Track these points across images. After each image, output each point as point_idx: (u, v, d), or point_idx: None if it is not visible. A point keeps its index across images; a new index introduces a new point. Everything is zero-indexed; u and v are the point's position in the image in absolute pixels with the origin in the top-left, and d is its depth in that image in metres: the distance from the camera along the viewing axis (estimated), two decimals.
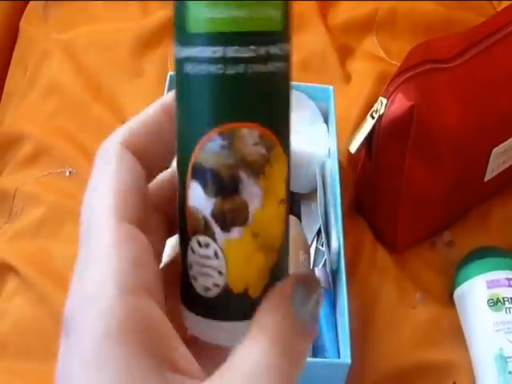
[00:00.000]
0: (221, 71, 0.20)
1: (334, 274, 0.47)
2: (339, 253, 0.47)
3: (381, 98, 0.53)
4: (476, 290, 0.51)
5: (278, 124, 0.21)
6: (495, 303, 0.49)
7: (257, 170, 0.20)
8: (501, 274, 0.51)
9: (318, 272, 0.47)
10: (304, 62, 0.71)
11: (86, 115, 0.62)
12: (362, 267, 0.54)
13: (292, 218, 0.49)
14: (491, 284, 0.51)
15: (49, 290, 0.50)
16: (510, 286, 0.50)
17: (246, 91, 0.20)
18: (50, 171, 0.58)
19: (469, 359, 0.49)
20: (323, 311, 0.45)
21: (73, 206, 0.55)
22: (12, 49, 0.72)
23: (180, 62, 0.21)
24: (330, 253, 0.47)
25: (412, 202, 0.55)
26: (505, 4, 0.79)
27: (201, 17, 0.20)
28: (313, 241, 0.52)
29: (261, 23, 0.20)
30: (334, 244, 0.47)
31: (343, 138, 0.57)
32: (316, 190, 0.53)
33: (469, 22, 0.69)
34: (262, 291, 0.21)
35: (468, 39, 0.57)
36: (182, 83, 0.21)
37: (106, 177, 0.21)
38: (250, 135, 0.20)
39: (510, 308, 0.49)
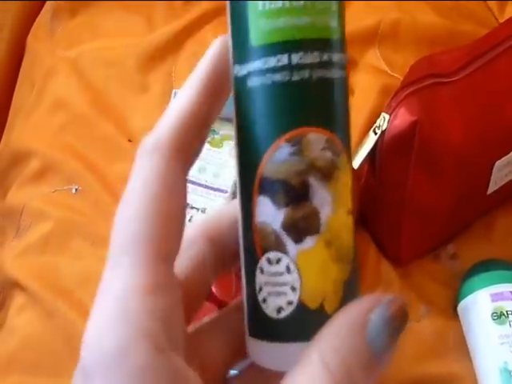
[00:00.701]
0: (287, 78, 0.20)
1: None
2: None
3: (383, 114, 0.54)
4: (480, 303, 0.51)
5: (341, 130, 0.21)
6: (499, 316, 0.50)
7: (326, 174, 0.20)
8: (505, 287, 0.51)
9: None
10: None
11: (93, 131, 0.63)
12: (366, 281, 0.54)
13: None
14: (495, 297, 0.51)
15: (57, 306, 0.50)
16: None
17: (312, 96, 0.20)
18: (57, 188, 0.58)
19: (473, 372, 0.49)
20: None
21: (80, 222, 0.55)
22: (19, 65, 0.73)
23: (241, 80, 0.21)
24: None
25: (416, 216, 0.55)
26: (508, 15, 0.80)
27: (265, 28, 0.20)
28: None
29: (322, 31, 0.21)
30: None
31: None
32: None
33: (472, 35, 0.69)
34: (338, 306, 0.19)
35: (471, 52, 0.57)
36: (245, 98, 0.21)
37: (145, 193, 0.17)
38: (317, 140, 0.20)
39: None
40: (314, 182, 0.20)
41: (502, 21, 0.78)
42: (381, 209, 0.57)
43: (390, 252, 0.57)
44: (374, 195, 0.57)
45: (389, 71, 0.74)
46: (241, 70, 0.21)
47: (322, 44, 0.21)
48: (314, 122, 0.20)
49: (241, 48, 0.21)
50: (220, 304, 0.46)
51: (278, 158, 0.20)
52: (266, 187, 0.20)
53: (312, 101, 0.20)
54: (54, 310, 0.50)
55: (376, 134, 0.54)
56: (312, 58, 0.20)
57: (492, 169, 0.56)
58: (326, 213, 0.20)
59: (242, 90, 0.21)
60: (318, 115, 0.20)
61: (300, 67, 0.20)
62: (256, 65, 0.20)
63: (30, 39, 0.73)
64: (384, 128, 0.53)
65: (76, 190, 0.58)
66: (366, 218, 0.60)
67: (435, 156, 0.53)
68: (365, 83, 0.72)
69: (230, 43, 0.21)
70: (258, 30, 0.20)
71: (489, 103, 0.55)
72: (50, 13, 0.73)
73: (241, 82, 0.21)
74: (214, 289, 0.46)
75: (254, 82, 0.20)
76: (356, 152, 0.55)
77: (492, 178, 0.57)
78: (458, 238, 0.59)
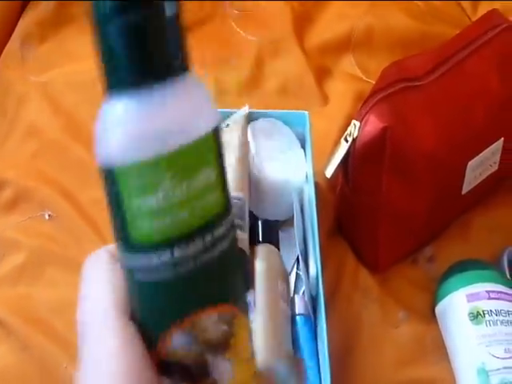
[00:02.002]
0: (171, 273, 0.20)
1: (314, 300, 0.47)
2: (317, 279, 0.46)
3: (354, 121, 0.53)
4: (456, 305, 0.50)
5: (233, 295, 0.21)
6: (475, 317, 0.49)
7: (222, 347, 0.20)
8: (480, 287, 0.50)
9: (298, 299, 0.47)
10: (281, 86, 0.71)
11: (67, 156, 0.63)
12: (344, 289, 0.54)
13: (270, 248, 0.49)
14: (471, 297, 0.50)
15: (32, 338, 0.49)
16: (489, 298, 0.50)
17: (198, 281, 0.20)
18: (30, 215, 0.58)
19: (453, 374, 0.49)
20: (304, 339, 0.44)
21: (53, 250, 0.55)
22: None
23: (129, 270, 0.20)
24: (308, 279, 0.47)
25: (391, 221, 0.55)
26: (480, 14, 0.79)
27: (142, 228, 0.19)
28: (293, 268, 0.52)
29: (203, 214, 0.20)
30: (312, 270, 0.47)
31: (322, 161, 0.57)
32: (298, 217, 0.52)
33: (446, 36, 0.68)
34: None
35: (440, 55, 0.57)
36: (135, 289, 0.21)
37: (101, 281, 0.21)
38: (209, 319, 0.20)
39: (490, 321, 0.49)
40: (211, 358, 0.20)
41: (474, 19, 0.78)
42: (357, 216, 0.57)
43: (368, 259, 0.56)
44: (350, 203, 0.57)
45: (363, 77, 0.74)
46: (126, 260, 0.20)
47: (205, 228, 0.20)
48: (203, 305, 0.20)
49: (123, 242, 0.20)
50: None
51: (173, 344, 0.20)
52: (165, 369, 0.20)
53: (199, 286, 0.20)
54: (28, 341, 0.49)
55: (347, 141, 0.54)
56: (195, 246, 0.20)
57: (465, 169, 0.56)
58: (226, 379, 0.21)
59: (131, 280, 0.21)
60: (207, 297, 0.20)
61: (183, 259, 0.20)
62: (140, 261, 0.20)
63: (0, 67, 0.73)
64: (355, 135, 0.53)
65: (49, 215, 0.58)
66: (342, 225, 0.59)
67: (408, 160, 0.52)
68: (339, 90, 0.72)
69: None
70: (136, 229, 0.20)
71: (459, 104, 0.55)
72: (20, 39, 0.72)
73: (129, 272, 0.21)
74: None
75: (139, 277, 0.20)
76: (328, 161, 0.54)
77: (466, 178, 0.57)
78: (435, 240, 0.58)
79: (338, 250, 0.57)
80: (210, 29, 0.77)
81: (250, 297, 0.45)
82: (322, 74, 0.74)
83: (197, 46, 0.75)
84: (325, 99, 0.72)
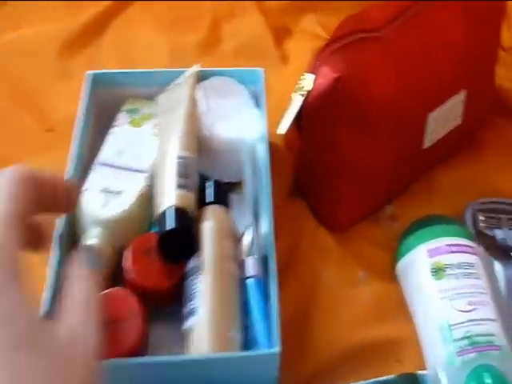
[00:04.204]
0: None
1: (266, 261, 0.45)
2: (269, 239, 0.44)
3: (306, 74, 0.51)
4: (417, 261, 0.49)
5: None
6: (437, 271, 0.47)
7: None
8: (442, 242, 0.49)
9: (249, 261, 0.45)
10: (238, 47, 0.69)
11: (10, 123, 0.60)
12: (302, 250, 0.52)
13: (219, 208, 0.47)
14: (432, 252, 0.49)
15: None
16: (451, 252, 0.48)
17: None
18: None
19: (415, 333, 0.47)
20: (255, 302, 0.43)
21: None
22: None
23: None
24: (259, 240, 0.45)
25: (351, 177, 0.53)
26: None
27: None
28: (246, 230, 0.50)
29: None
30: (264, 230, 0.45)
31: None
32: (250, 177, 0.50)
33: None
34: None
35: (401, 5, 0.54)
36: None
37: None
38: None
39: (451, 274, 0.47)
40: None
41: None
42: (315, 174, 0.55)
43: (328, 218, 0.54)
44: (307, 160, 0.55)
45: (325, 35, 0.72)
46: None
47: None
48: None
49: None
50: (141, 289, 0.43)
51: None
52: None
53: None
54: None
55: (301, 96, 0.51)
56: None
57: (426, 121, 0.54)
58: None
59: None
60: None
61: None
62: None
63: None
64: (309, 89, 0.51)
65: None
66: (301, 185, 0.57)
67: (364, 112, 0.50)
68: (300, 50, 0.70)
69: None
70: None
71: (420, 55, 0.52)
72: None
73: None
74: (132, 274, 0.43)
75: None
76: (282, 117, 0.52)
77: (427, 130, 0.55)
78: (398, 198, 0.56)
79: (297, 211, 0.55)
80: None
81: (197, 258, 0.43)
82: (281, 34, 0.72)
83: (152, 8, 0.73)
84: (284, 59, 0.69)
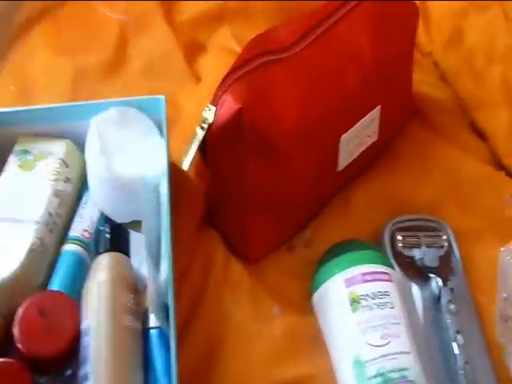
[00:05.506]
0: None
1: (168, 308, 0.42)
2: (168, 284, 0.42)
3: (209, 105, 0.49)
4: (333, 292, 0.47)
5: None
6: (352, 303, 0.46)
7: None
8: (356, 270, 0.47)
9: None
10: (147, 67, 0.66)
11: None
12: (213, 286, 0.50)
13: (116, 256, 0.44)
14: (349, 282, 0.47)
15: None
16: (364, 281, 0.47)
17: None
18: None
19: (332, 369, 0.46)
20: (158, 354, 0.41)
21: None
22: None
23: None
24: (158, 286, 0.42)
25: (259, 208, 0.51)
26: None
27: None
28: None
29: None
30: (163, 275, 0.42)
31: None
32: (153, 216, 0.48)
33: None
34: None
35: (310, 22, 0.52)
36: None
37: None
38: None
39: (366, 306, 0.46)
40: None
41: None
42: (223, 205, 0.53)
43: (239, 249, 0.53)
44: (215, 193, 0.53)
45: (240, 51, 0.69)
46: None
47: None
48: None
49: None
50: (30, 358, 0.40)
51: None
52: None
53: None
54: None
55: (203, 129, 0.49)
56: None
57: (339, 144, 0.52)
58: None
59: None
60: None
61: None
62: None
63: None
64: (210, 121, 0.48)
65: None
66: (213, 217, 0.55)
67: (272, 144, 0.48)
68: (213, 68, 0.67)
69: None
70: None
71: (327, 74, 0.51)
72: None
73: None
74: (19, 344, 0.40)
75: None
76: (186, 151, 0.50)
77: (340, 154, 0.53)
78: (314, 221, 0.55)
79: (209, 243, 0.53)
80: (68, 9, 0.70)
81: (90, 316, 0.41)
82: (193, 50, 0.69)
83: (54, 29, 0.69)
84: (196, 78, 0.66)
